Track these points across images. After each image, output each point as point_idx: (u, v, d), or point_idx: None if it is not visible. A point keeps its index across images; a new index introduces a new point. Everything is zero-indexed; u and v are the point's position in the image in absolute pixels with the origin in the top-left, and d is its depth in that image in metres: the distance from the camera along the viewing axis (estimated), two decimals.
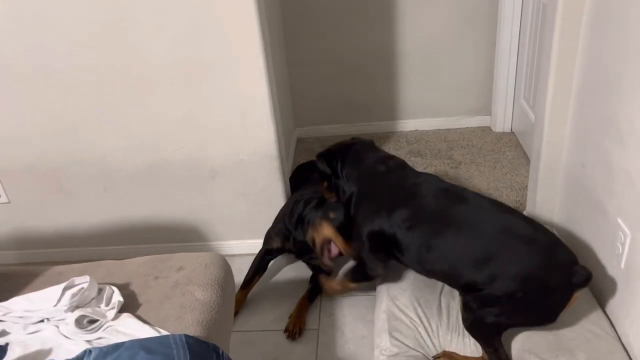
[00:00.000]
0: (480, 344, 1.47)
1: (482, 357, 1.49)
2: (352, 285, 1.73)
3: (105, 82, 1.91)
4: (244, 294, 1.98)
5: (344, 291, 1.86)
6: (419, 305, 1.62)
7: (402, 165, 1.70)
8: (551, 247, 1.40)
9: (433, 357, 1.53)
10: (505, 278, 1.35)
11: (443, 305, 1.63)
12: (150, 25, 1.80)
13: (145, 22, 1.79)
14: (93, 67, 1.88)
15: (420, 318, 1.59)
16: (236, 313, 1.91)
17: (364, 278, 1.69)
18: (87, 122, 2.00)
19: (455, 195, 1.53)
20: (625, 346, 1.46)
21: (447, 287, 1.68)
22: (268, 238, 2.03)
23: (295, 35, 2.82)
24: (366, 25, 2.80)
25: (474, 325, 1.44)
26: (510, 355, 1.49)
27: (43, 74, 1.90)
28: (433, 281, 1.69)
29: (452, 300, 1.64)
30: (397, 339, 1.54)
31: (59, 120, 2.00)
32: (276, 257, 2.08)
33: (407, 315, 1.61)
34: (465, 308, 1.44)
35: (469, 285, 1.43)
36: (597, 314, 1.55)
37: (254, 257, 2.03)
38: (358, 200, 1.65)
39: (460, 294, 1.48)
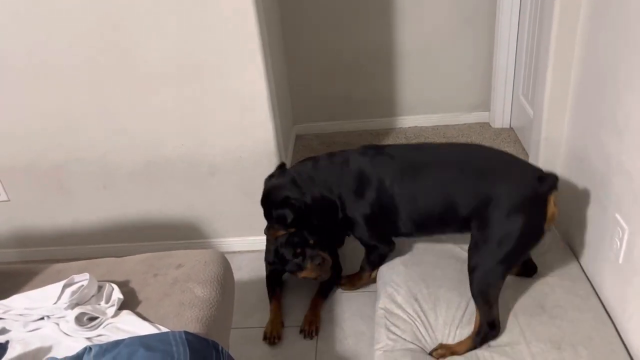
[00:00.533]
0: (479, 302, 1.49)
1: (473, 332, 1.50)
2: (374, 273, 1.85)
3: (105, 81, 1.91)
4: (277, 312, 1.90)
5: (368, 282, 1.95)
6: (416, 300, 1.63)
7: (334, 153, 1.74)
8: (514, 165, 1.55)
9: (431, 350, 1.53)
10: (486, 207, 1.46)
11: (440, 300, 1.63)
12: (150, 24, 1.80)
13: (145, 20, 1.79)
14: (93, 65, 1.88)
15: (417, 313, 1.60)
16: (279, 338, 1.83)
17: (380, 260, 1.81)
18: (87, 120, 2.00)
19: (409, 147, 1.72)
20: (624, 341, 1.46)
21: (444, 283, 1.68)
22: (267, 262, 1.96)
23: (294, 32, 2.82)
24: (365, 22, 2.79)
25: (481, 276, 1.48)
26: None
27: (43, 72, 1.90)
28: (429, 277, 1.69)
29: (450, 295, 1.64)
30: (394, 334, 1.55)
31: (59, 118, 2.00)
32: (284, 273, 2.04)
33: (404, 311, 1.61)
34: (470, 259, 1.50)
35: (458, 223, 1.54)
36: (600, 311, 1.55)
37: (253, 254, 2.03)
38: (333, 202, 1.68)
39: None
